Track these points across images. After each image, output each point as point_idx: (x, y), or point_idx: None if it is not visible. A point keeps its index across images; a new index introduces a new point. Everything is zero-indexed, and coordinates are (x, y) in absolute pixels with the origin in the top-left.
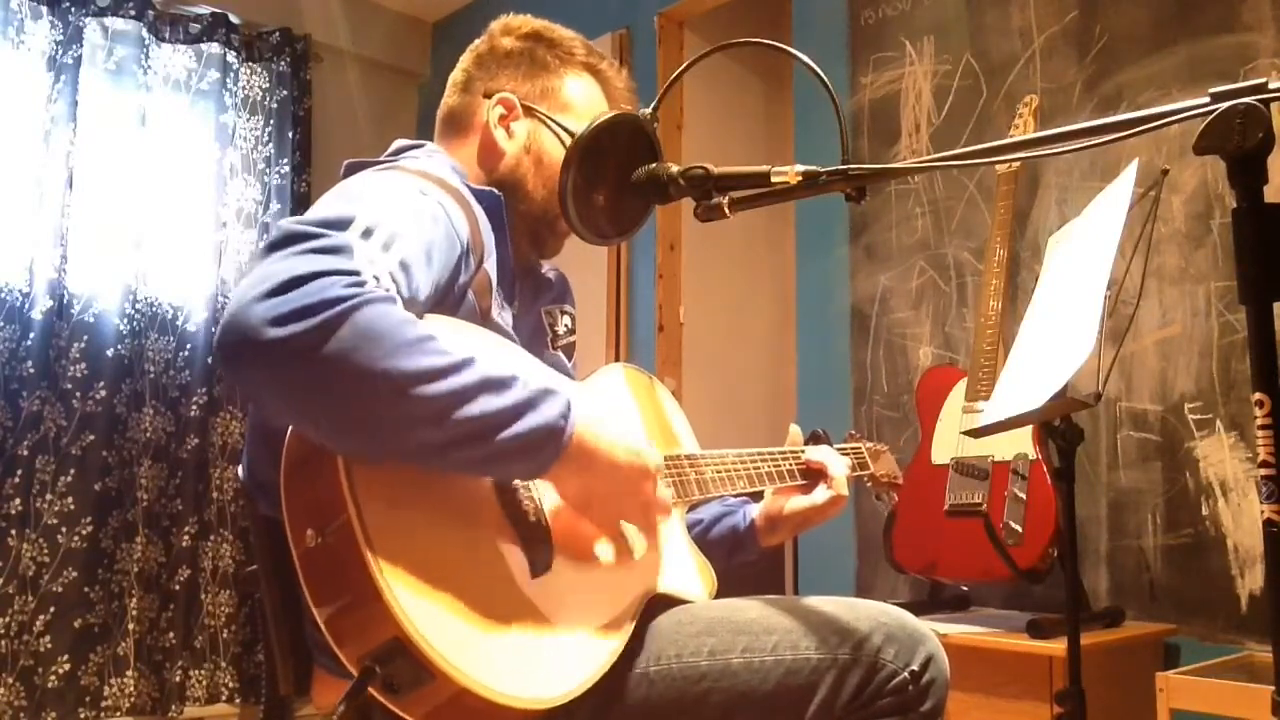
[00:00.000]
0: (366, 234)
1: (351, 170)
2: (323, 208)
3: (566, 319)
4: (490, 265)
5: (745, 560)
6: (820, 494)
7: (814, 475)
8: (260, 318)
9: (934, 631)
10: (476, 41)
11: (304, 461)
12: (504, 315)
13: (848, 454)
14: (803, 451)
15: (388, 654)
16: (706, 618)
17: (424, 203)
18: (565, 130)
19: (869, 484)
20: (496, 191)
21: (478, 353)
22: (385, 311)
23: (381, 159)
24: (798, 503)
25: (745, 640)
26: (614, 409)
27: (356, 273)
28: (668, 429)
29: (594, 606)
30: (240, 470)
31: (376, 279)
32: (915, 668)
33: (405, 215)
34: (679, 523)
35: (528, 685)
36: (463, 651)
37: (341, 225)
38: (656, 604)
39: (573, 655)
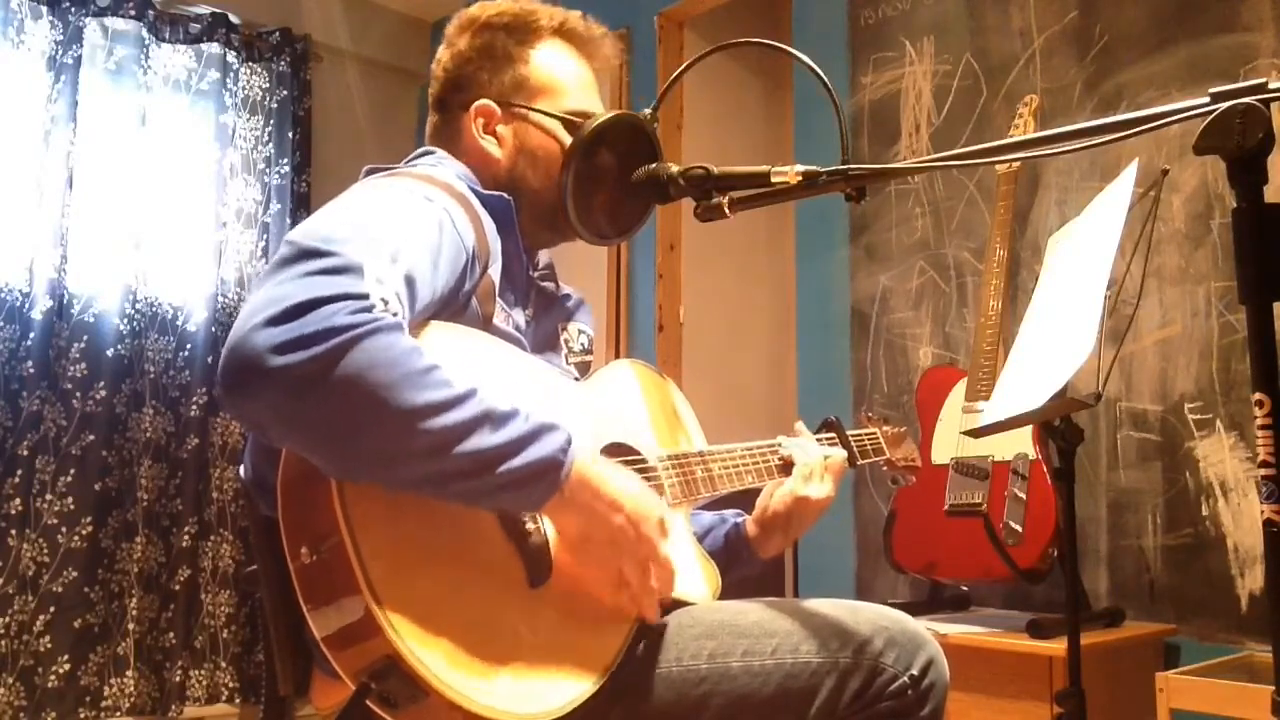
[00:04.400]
0: (374, 245)
1: (370, 174)
2: (330, 217)
3: (583, 338)
4: (494, 270)
5: (746, 574)
6: (788, 485)
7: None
8: (264, 345)
9: (934, 632)
10: (440, 51)
11: (299, 478)
12: (513, 318)
13: (863, 440)
14: (779, 444)
15: (382, 671)
16: (707, 620)
17: (430, 209)
18: (548, 115)
19: (885, 468)
20: (505, 196)
21: (482, 379)
22: (391, 342)
23: (397, 166)
24: (777, 499)
25: (746, 644)
26: (621, 405)
27: (364, 296)
28: (676, 425)
29: (595, 615)
30: (241, 470)
31: (385, 301)
32: (915, 672)
33: (412, 224)
34: (683, 523)
35: (524, 701)
36: (457, 670)
37: (350, 237)
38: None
39: (571, 667)
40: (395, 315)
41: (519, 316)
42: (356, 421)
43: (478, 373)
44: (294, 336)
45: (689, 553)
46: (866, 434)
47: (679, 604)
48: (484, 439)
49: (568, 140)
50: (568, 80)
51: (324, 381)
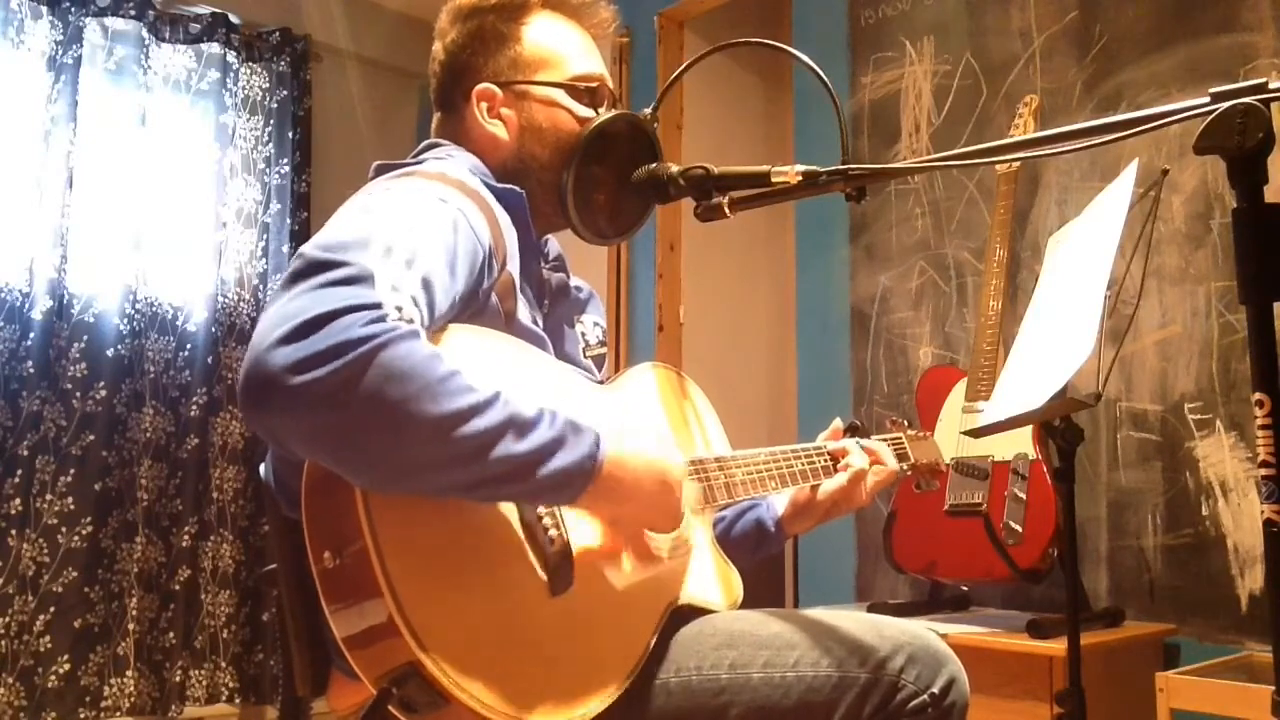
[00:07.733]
0: (388, 252)
1: (381, 171)
2: (343, 224)
3: (598, 330)
4: (513, 267)
5: (771, 553)
6: (841, 477)
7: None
8: (281, 364)
9: (934, 632)
10: (434, 47)
11: (323, 483)
12: (532, 316)
13: (886, 445)
14: (825, 446)
15: (403, 677)
16: (728, 630)
17: (444, 210)
18: (550, 84)
19: (909, 472)
20: (518, 189)
21: (505, 382)
22: (409, 350)
23: (406, 161)
24: (827, 487)
25: (767, 655)
26: (640, 412)
27: (378, 305)
28: (699, 430)
29: (616, 622)
30: (262, 469)
31: (399, 309)
32: (936, 690)
33: (426, 227)
34: (705, 530)
35: (544, 710)
36: (479, 677)
37: (362, 245)
38: (679, 613)
39: (592, 675)
40: (411, 322)
41: (536, 314)
42: (379, 435)
43: (500, 378)
44: (310, 353)
45: (710, 560)
46: (891, 439)
47: (698, 611)
48: (510, 446)
49: (573, 107)
50: (564, 49)
51: (344, 397)
